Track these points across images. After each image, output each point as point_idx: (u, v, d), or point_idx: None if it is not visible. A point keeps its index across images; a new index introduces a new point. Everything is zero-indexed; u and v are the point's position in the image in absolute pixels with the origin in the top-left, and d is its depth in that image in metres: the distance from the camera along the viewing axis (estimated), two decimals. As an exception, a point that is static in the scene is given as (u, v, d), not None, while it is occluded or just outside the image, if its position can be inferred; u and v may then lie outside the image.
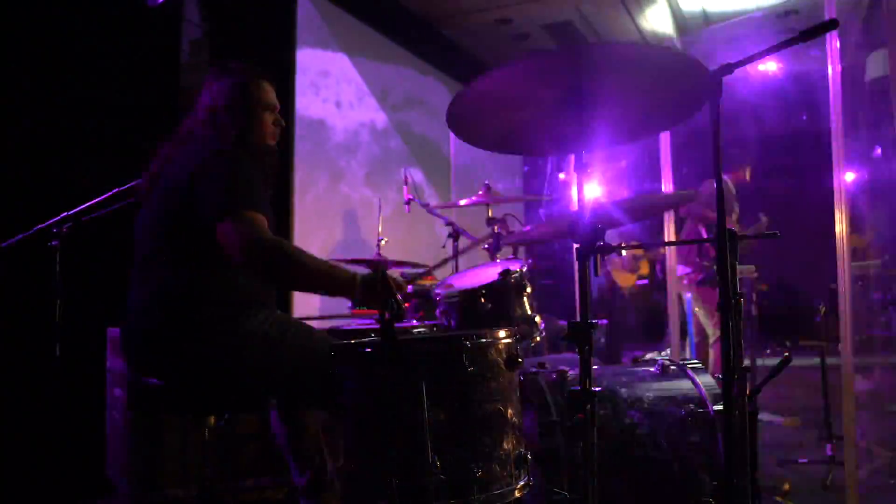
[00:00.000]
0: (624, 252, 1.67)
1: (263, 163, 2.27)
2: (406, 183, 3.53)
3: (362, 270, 2.04)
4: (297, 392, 2.13)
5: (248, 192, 1.97)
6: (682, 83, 1.64)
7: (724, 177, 4.99)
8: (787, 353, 2.11)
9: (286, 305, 4.53)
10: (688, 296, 4.83)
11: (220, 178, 1.97)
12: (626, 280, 6.57)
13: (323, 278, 1.99)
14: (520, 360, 1.78)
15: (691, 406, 2.17)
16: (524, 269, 2.35)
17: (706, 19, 6.22)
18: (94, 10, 3.49)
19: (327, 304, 4.94)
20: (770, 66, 5.61)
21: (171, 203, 2.05)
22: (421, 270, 4.09)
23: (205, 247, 2.01)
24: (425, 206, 3.50)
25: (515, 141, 1.93)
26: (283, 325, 2.11)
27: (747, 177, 5.25)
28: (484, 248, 2.90)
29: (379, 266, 2.88)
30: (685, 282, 4.80)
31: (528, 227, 2.42)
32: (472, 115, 1.75)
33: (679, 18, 6.32)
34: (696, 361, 2.37)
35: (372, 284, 1.92)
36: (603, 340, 6.50)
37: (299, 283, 2.11)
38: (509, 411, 1.73)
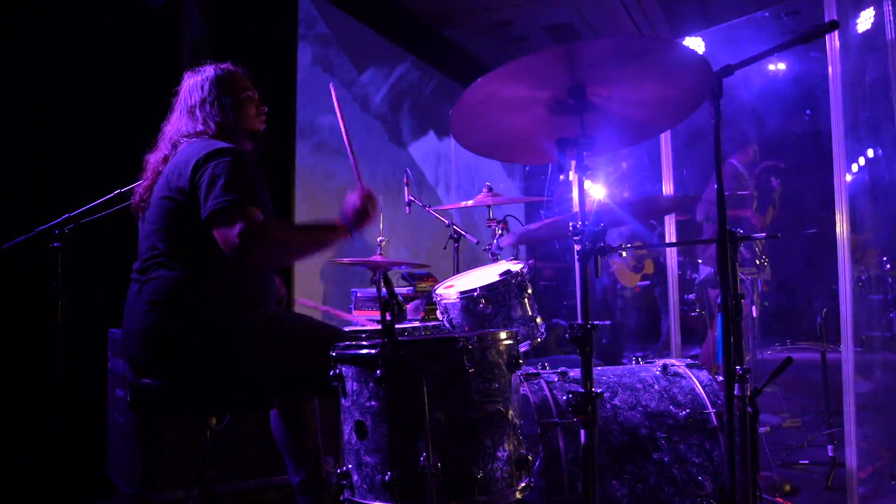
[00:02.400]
0: (624, 253, 1.67)
1: (254, 152, 2.28)
2: (407, 184, 3.52)
3: (362, 271, 2.06)
4: (297, 384, 2.13)
5: (241, 190, 1.97)
6: (682, 80, 1.64)
7: (733, 161, 4.90)
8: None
9: (287, 301, 4.53)
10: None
11: (213, 180, 1.97)
12: (630, 280, 6.57)
13: (317, 243, 2.10)
14: (520, 361, 1.79)
15: (692, 407, 2.17)
16: (525, 269, 2.36)
17: (706, 20, 6.23)
18: (95, 13, 3.50)
19: (328, 305, 4.94)
20: (775, 67, 5.60)
21: (169, 205, 2.05)
22: (423, 272, 4.10)
23: (203, 247, 2.02)
24: (426, 207, 3.50)
25: (516, 147, 1.94)
26: (281, 320, 2.11)
27: (755, 154, 5.12)
28: (485, 249, 2.90)
29: (377, 267, 2.88)
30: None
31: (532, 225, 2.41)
32: (473, 121, 1.76)
33: (679, 20, 6.33)
34: (697, 362, 2.38)
35: (354, 217, 2.08)
36: (605, 341, 6.50)
37: (299, 257, 2.15)
38: (510, 412, 1.74)
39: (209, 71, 2.26)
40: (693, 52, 1.59)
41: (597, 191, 5.82)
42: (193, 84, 2.24)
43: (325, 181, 4.97)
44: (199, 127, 2.17)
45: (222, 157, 2.01)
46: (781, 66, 5.93)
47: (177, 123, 2.22)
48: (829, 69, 2.87)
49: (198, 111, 2.19)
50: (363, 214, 2.10)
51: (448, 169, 6.77)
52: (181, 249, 2.05)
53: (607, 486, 2.02)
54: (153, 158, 2.22)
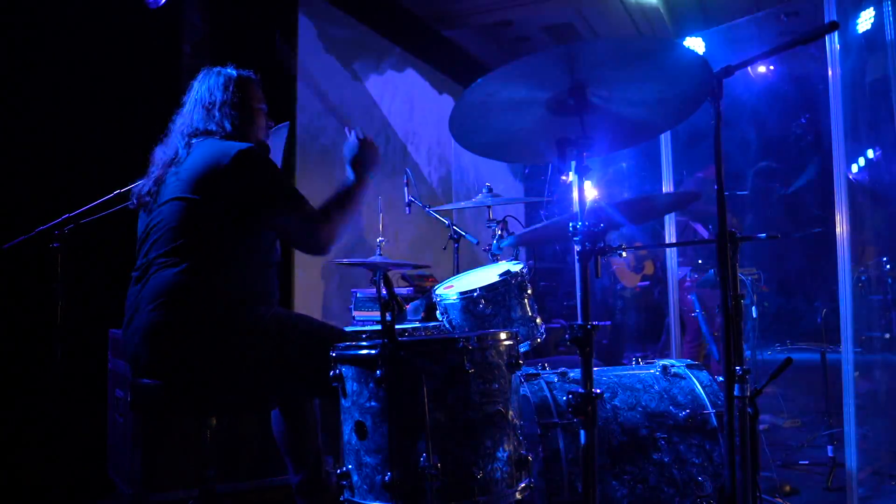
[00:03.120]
0: (624, 254, 1.67)
1: None
2: (407, 185, 3.53)
3: (363, 271, 2.08)
4: (297, 384, 2.13)
5: (288, 185, 2.12)
6: (682, 80, 1.64)
7: (700, 175, 4.98)
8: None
9: (287, 301, 4.53)
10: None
11: (262, 176, 2.07)
12: (630, 280, 6.58)
13: (353, 207, 2.19)
14: (520, 361, 1.79)
15: (692, 407, 2.17)
16: (525, 270, 2.36)
17: (706, 21, 6.23)
18: (95, 13, 3.50)
19: (328, 306, 4.94)
20: (775, 67, 5.62)
21: (183, 205, 2.04)
22: (422, 272, 4.10)
23: (210, 246, 2.02)
24: (426, 208, 3.50)
25: (516, 147, 1.94)
26: (282, 320, 2.11)
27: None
28: (485, 250, 2.90)
29: (377, 267, 2.89)
30: (687, 283, 4.78)
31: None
32: (473, 121, 1.76)
33: (679, 21, 6.33)
34: (697, 363, 2.38)
35: (361, 159, 2.24)
36: (605, 341, 6.50)
37: (349, 224, 2.25)
38: (510, 413, 1.74)
39: (233, 73, 2.25)
40: (693, 53, 1.59)
41: (591, 191, 5.83)
42: (216, 83, 2.22)
43: (324, 185, 5.01)
44: (214, 126, 2.17)
45: (256, 156, 2.08)
46: (779, 67, 5.95)
47: (189, 118, 2.21)
48: (829, 70, 2.87)
49: (216, 110, 2.18)
50: (367, 156, 2.23)
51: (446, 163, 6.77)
52: (189, 249, 2.03)
53: (607, 486, 2.02)
54: (162, 153, 2.20)
